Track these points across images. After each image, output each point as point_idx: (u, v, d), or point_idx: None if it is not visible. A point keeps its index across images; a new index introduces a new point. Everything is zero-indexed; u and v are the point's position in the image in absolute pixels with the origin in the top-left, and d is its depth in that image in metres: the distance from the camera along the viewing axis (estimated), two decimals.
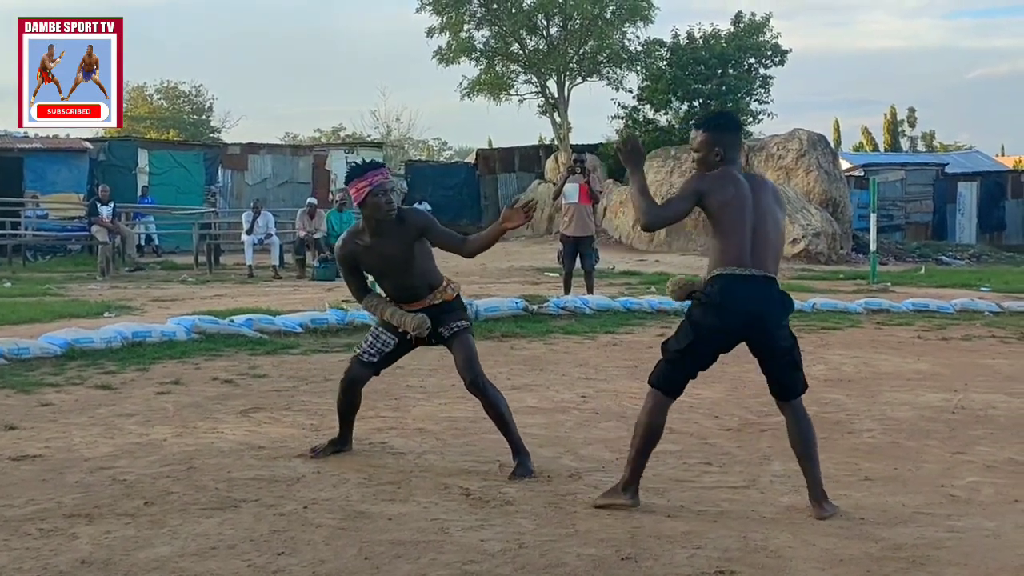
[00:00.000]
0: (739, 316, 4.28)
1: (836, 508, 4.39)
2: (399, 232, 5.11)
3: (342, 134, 48.89)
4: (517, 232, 28.34)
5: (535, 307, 11.30)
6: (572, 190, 12.74)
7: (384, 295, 5.34)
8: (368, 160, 5.27)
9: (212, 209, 23.66)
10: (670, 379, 4.42)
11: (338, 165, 26.87)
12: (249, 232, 18.54)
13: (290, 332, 9.53)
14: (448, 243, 5.25)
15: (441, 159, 52.55)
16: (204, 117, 50.58)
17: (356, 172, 5.14)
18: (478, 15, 29.38)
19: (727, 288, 4.26)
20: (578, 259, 12.83)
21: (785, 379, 4.46)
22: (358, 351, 5.32)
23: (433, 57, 29.57)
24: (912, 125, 50.16)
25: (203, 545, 3.90)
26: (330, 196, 22.32)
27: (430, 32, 29.53)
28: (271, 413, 6.37)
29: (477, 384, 5.12)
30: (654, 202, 4.39)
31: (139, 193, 24.86)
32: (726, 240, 4.29)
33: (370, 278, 5.37)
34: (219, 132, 47.96)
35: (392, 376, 7.66)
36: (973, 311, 12.49)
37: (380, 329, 5.29)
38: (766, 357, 4.43)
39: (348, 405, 5.34)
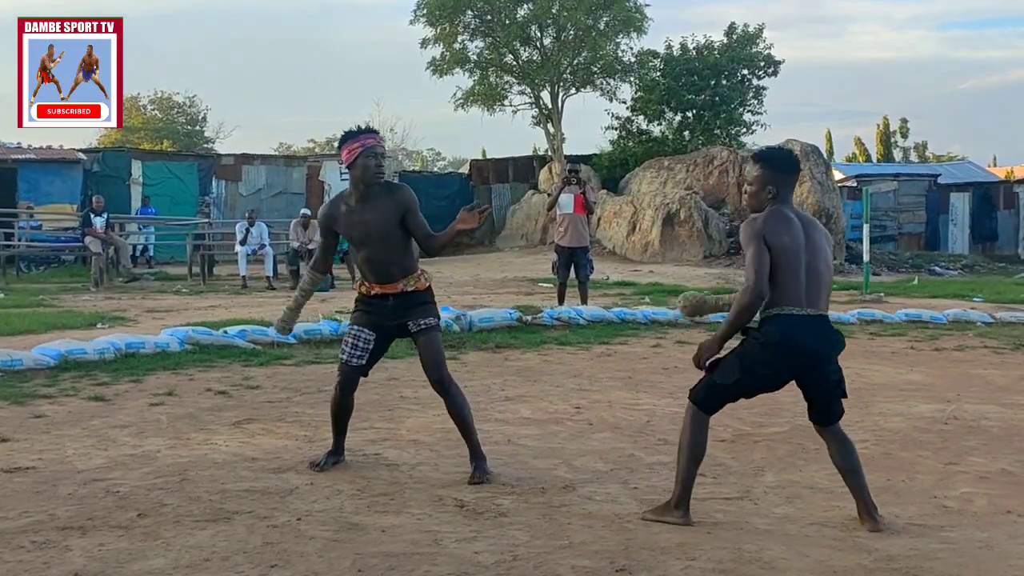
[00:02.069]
0: (796, 357, 4.31)
1: (884, 520, 4.40)
2: (386, 202, 5.11)
3: (336, 145, 48.90)
4: (511, 242, 28.43)
5: (529, 318, 11.31)
6: (567, 200, 12.77)
7: (358, 270, 5.34)
8: (363, 126, 5.23)
9: (206, 220, 23.65)
10: (710, 403, 4.46)
11: (332, 176, 26.89)
12: (243, 243, 18.53)
13: (283, 343, 9.51)
14: (420, 233, 5.21)
15: (435, 169, 52.60)
16: (198, 127, 50.57)
17: (350, 135, 5.14)
18: (472, 26, 29.43)
19: (786, 328, 4.27)
20: (573, 269, 12.86)
21: (830, 408, 4.51)
22: (343, 357, 5.26)
23: (427, 68, 29.62)
24: (905, 136, 50.35)
25: (196, 557, 3.89)
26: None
27: (424, 43, 29.57)
28: (264, 424, 6.36)
29: (443, 384, 5.12)
30: (743, 292, 4.31)
31: (141, 203, 24.85)
32: (785, 280, 4.29)
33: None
34: (213, 143, 47.97)
35: (386, 387, 7.68)
36: (966, 322, 12.52)
37: (356, 328, 5.22)
38: (816, 391, 4.47)
39: (342, 411, 5.32)
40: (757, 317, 4.37)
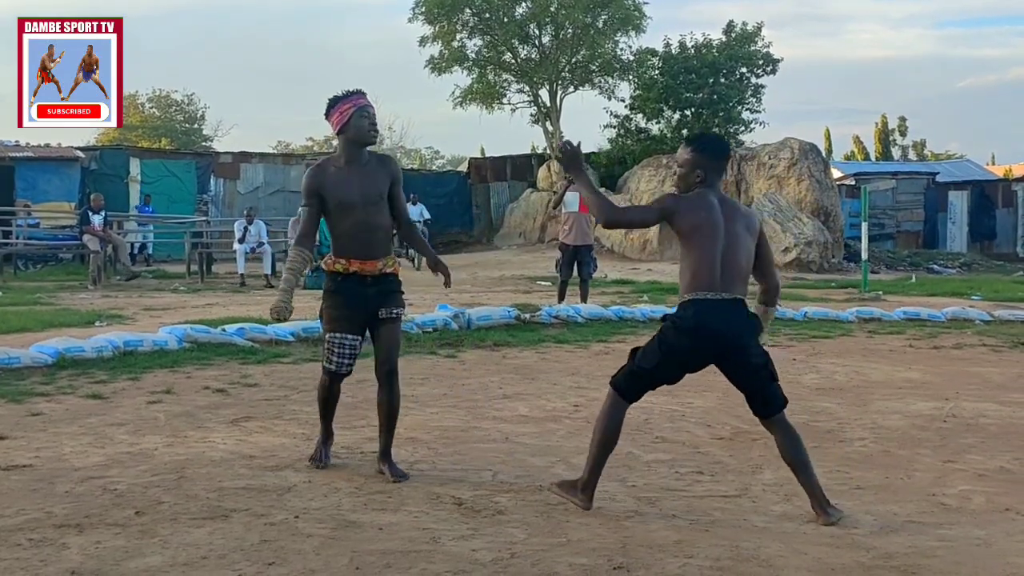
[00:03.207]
0: (711, 339, 4.36)
1: (841, 512, 4.40)
2: (376, 168, 5.04)
3: (334, 143, 48.86)
4: (509, 240, 28.44)
5: (527, 316, 11.31)
6: (572, 199, 12.78)
7: (335, 245, 5.06)
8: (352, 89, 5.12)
9: (204, 218, 23.65)
10: (631, 389, 4.52)
11: None
12: (241, 241, 18.54)
13: (281, 341, 9.51)
14: (400, 206, 5.17)
15: (433, 168, 52.63)
16: (196, 126, 50.58)
17: (337, 98, 5.02)
18: (470, 24, 29.46)
19: (699, 312, 4.33)
20: (576, 267, 12.86)
21: (765, 393, 4.50)
22: (331, 366, 5.07)
23: (425, 66, 29.67)
24: (903, 134, 50.42)
25: (193, 555, 3.88)
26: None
27: (422, 41, 29.62)
28: (262, 422, 6.35)
29: (392, 375, 5.08)
30: (610, 201, 4.51)
31: (141, 201, 24.83)
32: (698, 265, 4.37)
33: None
34: (211, 141, 48.01)
35: None
36: (964, 320, 12.54)
37: (338, 336, 5.02)
38: (742, 377, 4.48)
39: (333, 402, 5.25)
40: (679, 302, 4.46)
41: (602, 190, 21.02)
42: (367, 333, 5.13)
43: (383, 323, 5.07)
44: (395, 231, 5.27)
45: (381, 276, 5.03)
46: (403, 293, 5.19)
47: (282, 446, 5.70)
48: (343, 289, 5.01)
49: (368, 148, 5.12)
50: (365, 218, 4.97)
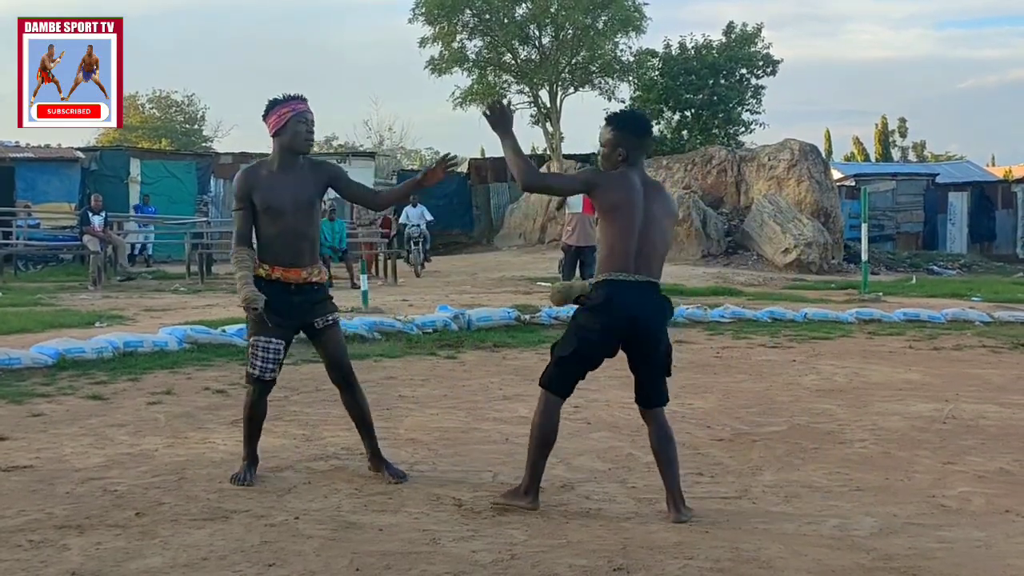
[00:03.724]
0: (623, 320, 4.38)
1: (692, 513, 4.45)
2: (310, 173, 4.95)
3: (334, 144, 48.92)
4: (509, 241, 28.42)
5: (527, 317, 11.31)
6: (576, 200, 12.80)
7: (260, 253, 4.94)
8: (292, 94, 5.05)
9: (204, 219, 23.65)
10: (559, 381, 4.53)
11: None
12: None
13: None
14: (361, 193, 5.18)
15: None
16: (196, 126, 50.57)
17: (276, 101, 4.96)
18: (470, 25, 29.45)
19: (612, 293, 4.36)
20: (578, 268, 12.86)
21: (654, 387, 4.55)
22: (255, 371, 4.93)
23: (426, 67, 29.66)
24: (903, 135, 50.44)
25: (194, 556, 3.88)
26: (322, 206, 22.31)
27: (422, 42, 29.61)
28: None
29: (348, 379, 5.06)
30: (532, 164, 4.56)
31: (142, 202, 24.82)
32: (614, 245, 4.40)
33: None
34: (211, 141, 48.00)
35: (383, 387, 7.68)
36: (964, 321, 12.53)
37: (263, 339, 4.89)
38: (642, 363, 4.52)
39: (260, 419, 5.09)
40: (592, 282, 4.51)
41: None
42: (290, 343, 5.07)
43: (322, 332, 5.00)
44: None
45: (306, 285, 4.94)
46: (332, 299, 5.12)
47: (282, 447, 5.70)
48: (266, 294, 4.88)
49: (306, 154, 5.02)
50: (294, 225, 4.89)
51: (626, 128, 4.52)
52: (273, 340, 4.91)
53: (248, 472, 4.99)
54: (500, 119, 4.58)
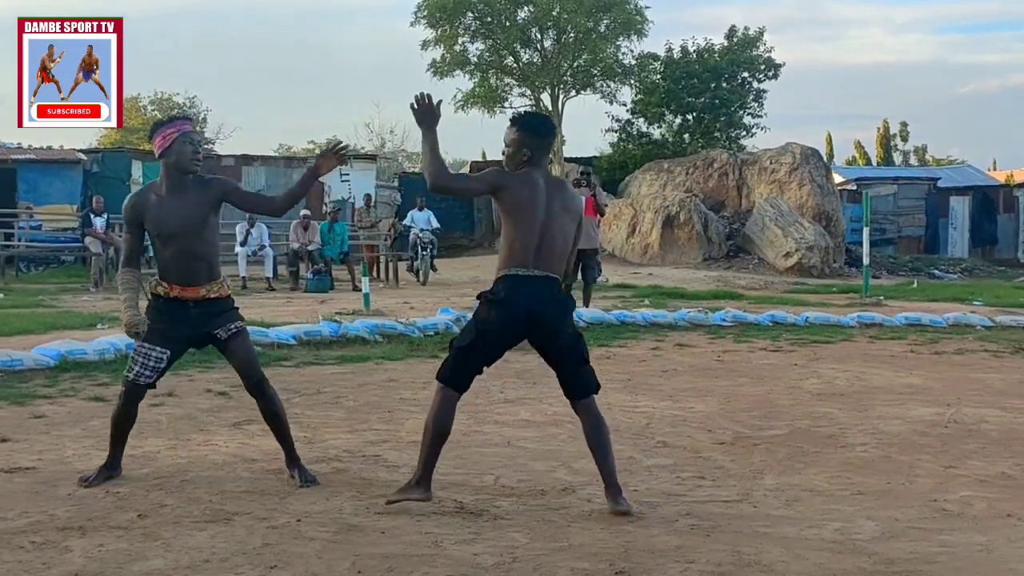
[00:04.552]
0: (521, 314, 4.45)
1: (630, 506, 4.49)
2: (200, 192, 4.91)
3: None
4: None
5: None
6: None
7: (154, 272, 5.00)
8: (177, 113, 5.17)
9: None
10: (456, 375, 4.58)
11: (331, 177, 26.89)
12: (243, 244, 18.55)
13: (283, 344, 9.52)
14: (256, 203, 5.23)
15: None
16: (198, 128, 50.51)
17: (162, 121, 4.98)
18: (472, 28, 29.47)
19: (510, 287, 4.45)
20: (580, 271, 12.86)
21: (575, 376, 4.60)
22: (130, 375, 4.94)
23: (427, 70, 29.68)
24: (905, 139, 50.33)
25: (196, 558, 3.89)
26: (323, 208, 22.34)
27: (424, 45, 29.63)
28: (264, 426, 6.31)
29: (261, 386, 5.05)
30: (444, 165, 4.63)
31: None
32: (515, 241, 4.48)
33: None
34: (213, 143, 47.89)
35: (385, 389, 7.69)
36: (965, 325, 12.53)
37: (147, 346, 4.91)
38: (553, 356, 4.60)
39: (127, 424, 5.06)
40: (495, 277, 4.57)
41: (604, 193, 20.68)
42: (182, 355, 5.17)
43: (227, 341, 5.00)
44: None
45: (205, 301, 4.95)
46: (238, 309, 5.12)
47: None
48: (163, 308, 4.93)
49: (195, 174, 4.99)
50: (186, 247, 4.88)
51: (531, 129, 4.62)
52: (157, 348, 4.93)
53: (100, 475, 4.95)
54: (427, 113, 4.60)
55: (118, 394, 5.11)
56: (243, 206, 5.23)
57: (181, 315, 4.92)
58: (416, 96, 4.61)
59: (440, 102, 4.65)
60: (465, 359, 4.54)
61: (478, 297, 4.63)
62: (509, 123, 4.68)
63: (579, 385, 4.61)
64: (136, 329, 4.88)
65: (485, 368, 4.64)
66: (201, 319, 4.95)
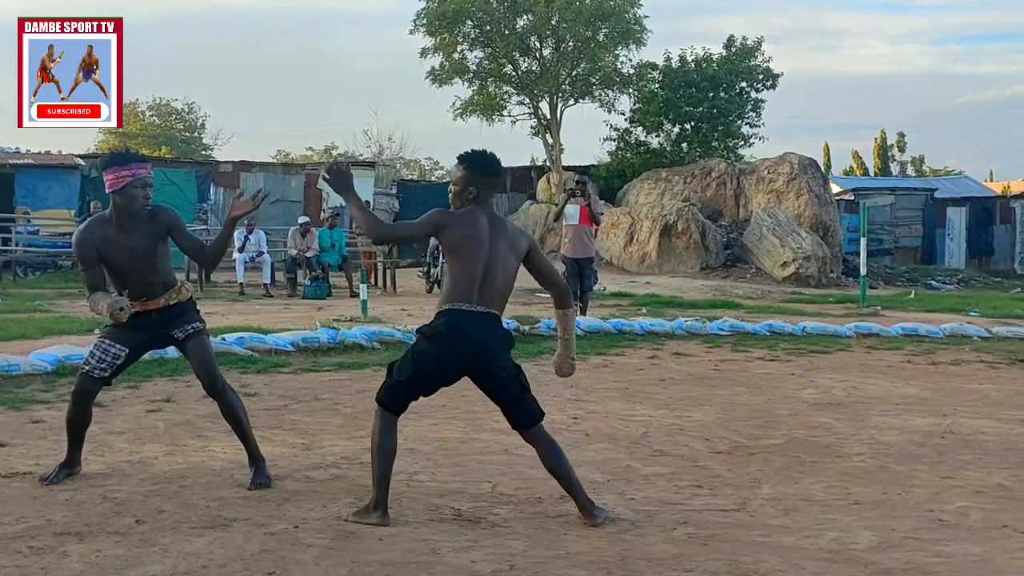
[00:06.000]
0: (461, 349, 4.43)
1: (607, 512, 4.52)
2: (148, 227, 5.01)
3: (334, 153, 48.96)
4: None
5: (526, 328, 11.31)
6: (572, 212, 12.87)
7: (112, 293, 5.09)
8: (132, 152, 5.19)
9: (204, 227, 23.65)
10: (394, 401, 4.56)
11: None
12: (241, 250, 18.56)
13: (281, 351, 9.52)
14: (190, 248, 5.25)
15: (433, 179, 52.59)
16: (196, 134, 50.64)
17: (118, 159, 5.02)
18: (471, 36, 29.49)
19: (451, 322, 4.42)
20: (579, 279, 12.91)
21: (519, 407, 4.57)
22: (86, 368, 5.06)
23: (426, 78, 29.69)
24: (902, 150, 50.52)
25: (194, 564, 3.89)
26: (321, 215, 22.34)
27: (423, 53, 29.64)
28: (261, 432, 6.33)
29: (216, 386, 5.08)
30: (378, 219, 4.72)
31: None
32: (459, 277, 4.47)
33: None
34: (211, 150, 48.06)
35: None
36: (962, 336, 12.53)
37: (107, 342, 5.04)
38: (494, 390, 4.55)
39: (81, 422, 5.13)
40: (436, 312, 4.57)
41: (601, 202, 20.64)
42: (140, 356, 5.29)
43: (185, 341, 5.10)
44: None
45: (165, 308, 5.09)
46: (198, 312, 5.23)
47: (281, 455, 5.71)
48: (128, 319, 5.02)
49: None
50: (138, 277, 5.04)
51: (478, 168, 4.61)
52: (117, 345, 5.04)
53: (58, 472, 5.04)
54: (339, 180, 4.68)
55: (71, 397, 5.17)
56: (179, 246, 5.21)
57: (142, 322, 5.07)
58: (326, 166, 4.78)
59: (348, 163, 4.68)
60: (402, 390, 4.53)
61: (417, 331, 4.62)
62: (457, 160, 4.67)
63: (524, 415, 4.58)
64: (120, 305, 4.92)
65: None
66: (161, 323, 5.10)
